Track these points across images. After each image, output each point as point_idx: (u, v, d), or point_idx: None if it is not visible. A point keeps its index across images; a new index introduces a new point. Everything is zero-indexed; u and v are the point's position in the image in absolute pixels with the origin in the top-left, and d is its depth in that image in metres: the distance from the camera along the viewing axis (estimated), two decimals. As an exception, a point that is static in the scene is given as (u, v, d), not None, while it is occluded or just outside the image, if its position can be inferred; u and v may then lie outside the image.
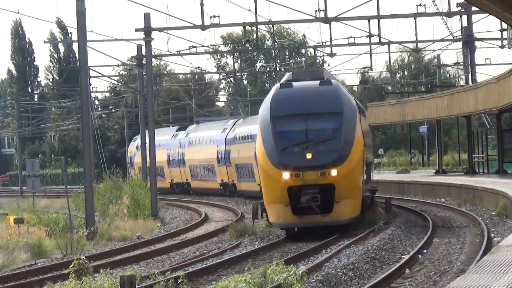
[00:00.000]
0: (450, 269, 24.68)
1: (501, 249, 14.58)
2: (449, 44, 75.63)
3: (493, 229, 35.24)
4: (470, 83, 76.82)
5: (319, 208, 29.76)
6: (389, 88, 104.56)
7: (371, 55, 69.00)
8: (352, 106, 32.18)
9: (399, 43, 74.29)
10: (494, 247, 18.35)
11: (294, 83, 32.97)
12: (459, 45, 77.89)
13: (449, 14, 56.85)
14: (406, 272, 24.00)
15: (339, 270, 23.63)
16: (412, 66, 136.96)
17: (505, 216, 39.39)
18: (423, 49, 77.82)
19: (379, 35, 55.14)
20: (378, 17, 50.51)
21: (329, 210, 30.07)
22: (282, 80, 35.92)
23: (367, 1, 50.53)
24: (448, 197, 57.94)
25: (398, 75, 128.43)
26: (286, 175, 29.84)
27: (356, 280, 23.18)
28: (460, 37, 70.57)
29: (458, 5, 62.88)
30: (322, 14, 47.25)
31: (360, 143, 31.66)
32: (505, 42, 64.98)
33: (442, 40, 69.82)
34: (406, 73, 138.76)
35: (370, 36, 55.69)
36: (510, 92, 52.87)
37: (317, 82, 32.84)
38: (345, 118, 30.84)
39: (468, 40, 73.51)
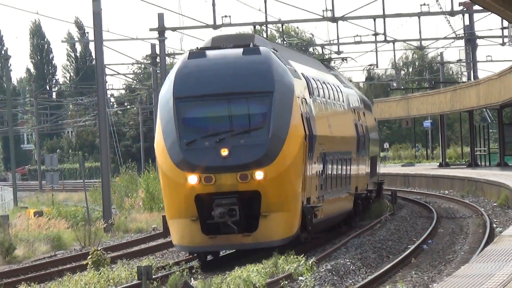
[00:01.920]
0: (454, 258, 24.84)
1: (503, 239, 14.84)
2: (452, 42, 76.28)
3: (495, 220, 35.47)
4: (472, 79, 77.45)
5: (238, 224, 20.73)
6: (394, 84, 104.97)
7: (376, 53, 70.48)
8: (288, 83, 22.44)
9: (404, 41, 75.01)
10: (497, 237, 18.75)
11: (208, 52, 23.33)
12: (461, 43, 78.57)
13: (452, 13, 57.08)
14: (412, 261, 24.08)
15: (348, 260, 23.56)
16: (416, 63, 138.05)
17: (506, 207, 39.91)
18: (427, 47, 79.08)
19: (384, 34, 55.61)
20: (384, 16, 51.31)
21: (252, 228, 21.01)
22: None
23: (373, 1, 51.46)
24: (452, 189, 58.68)
25: (402, 72, 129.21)
26: (192, 179, 20.73)
27: (364, 269, 23.14)
28: (463, 35, 71.03)
29: (460, 4, 63.26)
30: (329, 14, 47.87)
31: (298, 134, 21.99)
32: (506, 40, 66.09)
33: (445, 38, 70.81)
34: (410, 70, 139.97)
35: (376, 34, 56.44)
36: (511, 88, 53.25)
37: (241, 50, 23.02)
38: (276, 100, 21.45)
39: (470, 38, 74.05)
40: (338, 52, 56.05)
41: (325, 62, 46.63)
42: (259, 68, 21.93)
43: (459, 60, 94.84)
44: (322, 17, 49.15)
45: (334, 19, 49.77)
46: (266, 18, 49.33)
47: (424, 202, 51.04)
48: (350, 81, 59.90)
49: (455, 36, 70.66)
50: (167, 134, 21.40)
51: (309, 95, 25.40)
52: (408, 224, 37.51)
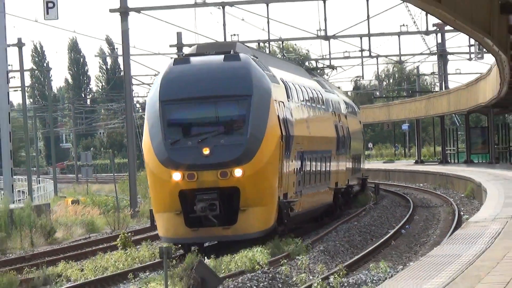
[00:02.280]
0: (428, 241, 24.48)
1: (470, 225, 14.57)
2: (427, 57, 76.16)
3: (462, 209, 34.74)
4: (444, 89, 76.97)
5: (218, 218, 19.64)
6: (377, 93, 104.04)
7: (362, 66, 69.75)
8: (265, 88, 21.16)
9: (386, 56, 74.76)
10: (464, 223, 18.07)
11: (192, 58, 22.17)
12: (435, 58, 77.76)
13: (427, 32, 57.03)
14: (392, 243, 23.85)
15: (337, 242, 23.31)
16: (396, 75, 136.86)
17: (472, 198, 38.93)
18: (405, 61, 78.78)
19: (369, 50, 55.24)
20: (369, 35, 50.79)
21: (232, 221, 20.03)
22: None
23: (360, 22, 51.13)
24: (426, 182, 57.39)
25: (384, 83, 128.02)
26: (176, 175, 19.88)
27: (351, 250, 22.90)
28: (436, 51, 71.00)
29: (434, 25, 62.95)
30: (323, 33, 47.33)
31: (274, 135, 20.80)
32: (472, 56, 65.92)
33: (421, 54, 70.68)
34: (391, 81, 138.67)
35: (362, 50, 56.06)
36: (476, 97, 52.97)
37: (222, 56, 21.75)
38: (254, 103, 20.33)
39: (442, 54, 73.35)
40: (331, 66, 55.73)
41: (310, 70, 44.57)
42: (239, 73, 20.77)
43: (433, 73, 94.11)
44: (316, 35, 48.70)
45: (326, 37, 48.85)
46: (268, 36, 49.08)
47: (402, 193, 49.62)
48: (338, 87, 58.21)
49: (429, 52, 70.54)
50: (153, 135, 20.32)
51: (288, 98, 24.01)
52: (388, 212, 36.65)
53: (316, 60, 68.90)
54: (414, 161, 78.73)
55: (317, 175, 28.58)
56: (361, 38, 53.23)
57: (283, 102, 22.69)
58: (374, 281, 15.11)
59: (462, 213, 32.09)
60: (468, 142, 67.58)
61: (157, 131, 20.04)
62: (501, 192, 26.38)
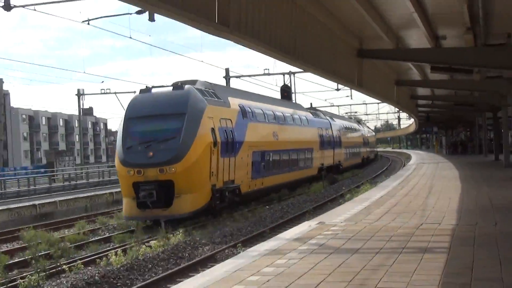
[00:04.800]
0: (396, 172, 38.88)
1: (408, 167, 36.03)
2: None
3: (405, 162, 58.17)
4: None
5: (155, 203, 21.29)
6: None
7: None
8: (199, 108, 22.80)
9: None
10: (404, 166, 41.28)
11: (153, 89, 24.28)
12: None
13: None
14: (382, 172, 45.39)
15: (358, 175, 44.23)
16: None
17: (409, 160, 59.25)
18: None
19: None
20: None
21: (169, 204, 21.39)
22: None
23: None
24: (395, 154, 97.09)
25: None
26: (130, 172, 21.65)
27: (365, 178, 39.21)
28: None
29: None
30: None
31: (203, 142, 22.22)
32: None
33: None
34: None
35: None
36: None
37: (171, 87, 23.92)
38: (187, 119, 21.99)
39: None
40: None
41: (314, 108, 49.64)
42: (179, 98, 22.83)
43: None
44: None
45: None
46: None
47: (386, 157, 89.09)
48: (352, 118, 79.27)
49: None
50: (119, 142, 22.73)
51: (243, 117, 27.02)
52: (383, 162, 73.31)
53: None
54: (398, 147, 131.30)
55: (285, 163, 32.67)
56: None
57: (229, 119, 25.16)
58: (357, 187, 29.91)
59: (405, 162, 56.39)
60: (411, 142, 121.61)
61: (120, 140, 22.67)
62: (417, 157, 56.65)
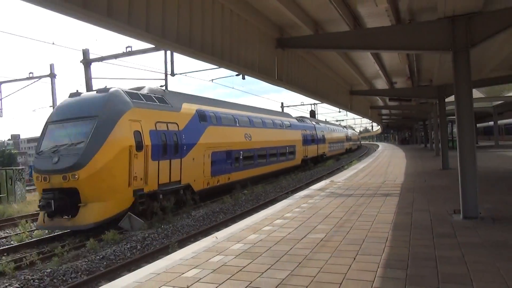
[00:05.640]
0: (368, 155, 55.58)
1: (377, 151, 57.00)
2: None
3: (376, 149, 72.56)
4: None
5: (55, 212, 18.28)
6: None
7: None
8: (115, 111, 19.72)
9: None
10: (375, 151, 60.82)
11: (83, 93, 21.43)
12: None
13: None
14: (362, 156, 71.05)
15: (343, 159, 58.99)
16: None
17: (378, 147, 78.69)
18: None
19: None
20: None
21: (74, 214, 18.47)
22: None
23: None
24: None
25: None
26: (38, 178, 19.05)
27: (348, 159, 56.75)
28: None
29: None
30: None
31: (116, 146, 19.16)
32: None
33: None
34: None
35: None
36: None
37: (96, 91, 20.95)
38: (98, 122, 19.24)
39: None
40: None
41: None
42: (97, 101, 20.11)
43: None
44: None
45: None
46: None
47: (365, 146, 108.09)
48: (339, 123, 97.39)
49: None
50: (37, 148, 20.20)
51: (199, 121, 25.19)
52: (364, 149, 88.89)
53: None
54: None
55: (261, 159, 32.81)
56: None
57: (174, 123, 22.64)
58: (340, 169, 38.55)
59: (376, 149, 73.22)
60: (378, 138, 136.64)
61: (38, 144, 20.14)
62: (382, 146, 77.21)
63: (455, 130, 55.37)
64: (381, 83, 28.72)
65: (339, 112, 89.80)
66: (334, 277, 6.67)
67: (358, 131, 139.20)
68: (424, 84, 27.26)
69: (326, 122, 67.03)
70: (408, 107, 41.24)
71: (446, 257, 7.31)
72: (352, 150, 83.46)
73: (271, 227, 10.41)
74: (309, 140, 46.24)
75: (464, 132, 10.25)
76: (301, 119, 48.65)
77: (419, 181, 17.30)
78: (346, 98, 29.26)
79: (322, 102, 27.84)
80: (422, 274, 6.59)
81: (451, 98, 25.93)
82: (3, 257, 14.53)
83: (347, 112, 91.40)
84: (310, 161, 45.70)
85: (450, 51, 10.44)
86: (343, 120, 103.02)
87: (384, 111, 55.64)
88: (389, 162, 30.46)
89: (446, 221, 9.95)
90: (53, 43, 24.47)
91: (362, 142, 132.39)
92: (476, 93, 43.76)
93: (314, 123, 52.40)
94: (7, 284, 11.58)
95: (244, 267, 7.48)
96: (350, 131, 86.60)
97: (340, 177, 20.59)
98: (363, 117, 55.06)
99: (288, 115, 45.81)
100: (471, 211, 10.21)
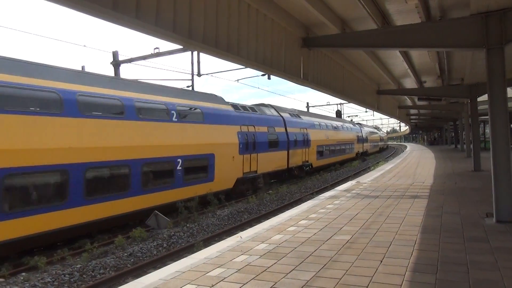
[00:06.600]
0: (398, 154, 62.05)
1: (405, 152, 58.47)
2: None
3: (404, 150, 72.17)
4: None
5: None
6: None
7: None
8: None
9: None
10: (403, 152, 61.44)
11: None
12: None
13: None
14: (390, 157, 73.52)
15: (369, 161, 62.94)
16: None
17: (406, 148, 78.71)
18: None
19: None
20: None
21: None
22: None
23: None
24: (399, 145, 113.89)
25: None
26: None
27: (374, 159, 60.56)
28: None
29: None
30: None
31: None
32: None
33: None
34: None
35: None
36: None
37: None
38: None
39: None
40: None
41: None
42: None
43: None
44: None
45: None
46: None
47: (393, 147, 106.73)
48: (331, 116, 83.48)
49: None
50: None
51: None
52: (391, 150, 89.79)
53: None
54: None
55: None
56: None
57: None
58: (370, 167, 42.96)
59: (403, 150, 72.35)
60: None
61: None
62: (411, 147, 78.66)
63: (487, 130, 54.99)
64: (409, 82, 28.43)
65: (366, 112, 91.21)
66: (360, 280, 6.56)
67: (386, 132, 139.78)
68: (455, 83, 26.90)
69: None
70: (437, 107, 41.23)
71: (478, 262, 7.09)
72: (383, 149, 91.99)
73: (296, 227, 10.46)
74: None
75: (498, 133, 9.95)
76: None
77: (449, 183, 17.25)
78: (373, 98, 29.25)
79: (348, 102, 28.19)
80: (452, 279, 6.39)
81: (484, 97, 25.42)
82: (36, 252, 15.04)
83: (374, 112, 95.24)
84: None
85: (484, 48, 10.14)
86: (369, 120, 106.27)
87: (412, 111, 55.67)
88: (417, 163, 29.98)
89: (478, 225, 9.82)
90: (85, 46, 25.02)
91: (389, 143, 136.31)
92: (511, 92, 42.68)
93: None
94: (39, 278, 11.97)
95: (269, 267, 7.47)
96: (381, 133, 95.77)
97: (366, 178, 20.59)
98: (391, 117, 55.67)
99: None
100: (505, 214, 9.92)
